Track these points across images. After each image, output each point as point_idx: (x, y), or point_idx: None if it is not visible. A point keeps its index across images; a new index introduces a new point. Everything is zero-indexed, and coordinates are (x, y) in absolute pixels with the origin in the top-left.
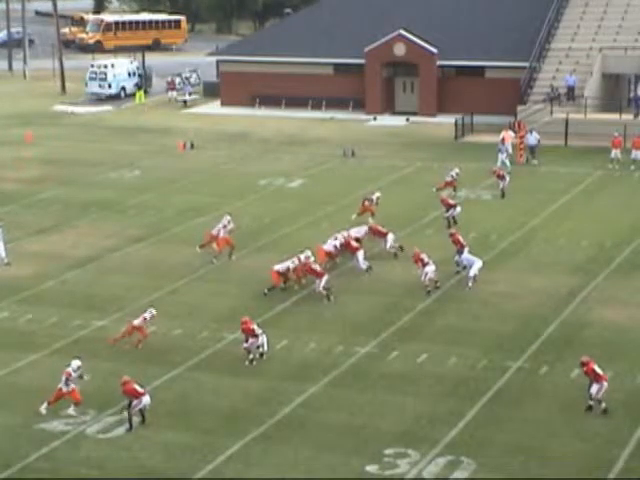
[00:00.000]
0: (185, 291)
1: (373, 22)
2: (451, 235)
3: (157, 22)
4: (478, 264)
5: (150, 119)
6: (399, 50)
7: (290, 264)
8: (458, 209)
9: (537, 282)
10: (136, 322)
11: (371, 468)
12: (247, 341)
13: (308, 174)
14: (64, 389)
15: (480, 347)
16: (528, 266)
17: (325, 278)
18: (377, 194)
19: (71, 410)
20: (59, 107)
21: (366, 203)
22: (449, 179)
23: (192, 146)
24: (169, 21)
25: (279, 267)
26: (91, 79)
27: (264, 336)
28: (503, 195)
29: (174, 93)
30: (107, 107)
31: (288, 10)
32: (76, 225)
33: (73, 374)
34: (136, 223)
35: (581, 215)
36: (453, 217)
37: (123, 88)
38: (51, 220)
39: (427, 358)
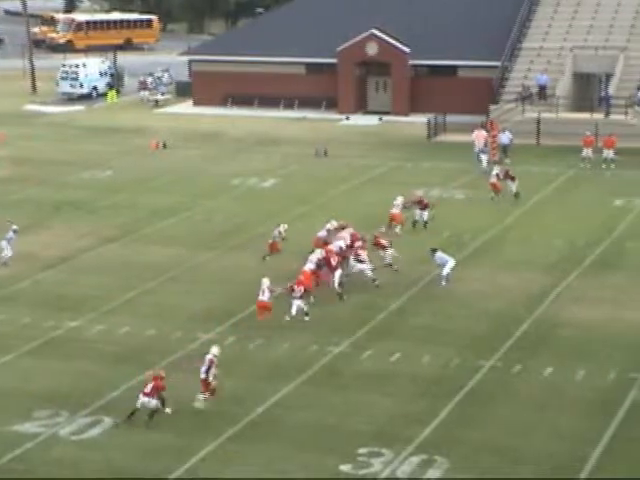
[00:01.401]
0: (158, 291)
1: (345, 21)
2: (375, 237)
3: (129, 21)
4: (451, 263)
5: (122, 119)
6: (371, 49)
7: (319, 255)
8: (426, 212)
9: (510, 281)
10: (264, 298)
11: (345, 467)
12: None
13: (281, 174)
14: (209, 378)
15: (453, 346)
16: (501, 265)
17: (339, 273)
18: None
19: (201, 399)
20: (30, 107)
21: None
22: (493, 179)
23: (164, 146)
24: (141, 20)
25: (311, 265)
26: (62, 79)
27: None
28: (517, 195)
29: (146, 93)
30: (79, 107)
31: (260, 10)
32: (49, 225)
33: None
34: (109, 223)
35: (553, 214)
36: (424, 220)
37: (95, 88)
38: (24, 220)
39: (400, 357)
